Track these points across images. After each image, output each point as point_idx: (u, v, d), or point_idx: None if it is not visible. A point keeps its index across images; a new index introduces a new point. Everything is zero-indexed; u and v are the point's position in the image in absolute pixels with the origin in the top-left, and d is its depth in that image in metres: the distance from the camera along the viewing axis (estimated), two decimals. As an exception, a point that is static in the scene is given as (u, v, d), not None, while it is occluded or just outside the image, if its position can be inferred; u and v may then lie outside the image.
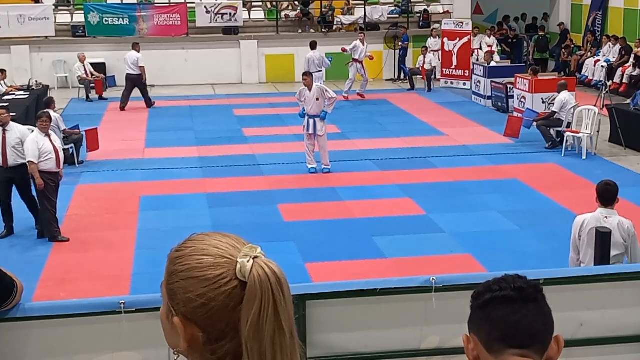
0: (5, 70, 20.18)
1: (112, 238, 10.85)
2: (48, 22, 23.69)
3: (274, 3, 26.17)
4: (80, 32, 24.32)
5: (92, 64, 22.36)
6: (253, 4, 26.27)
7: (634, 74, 21.39)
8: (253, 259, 1.60)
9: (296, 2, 26.24)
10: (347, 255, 10.02)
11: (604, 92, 17.00)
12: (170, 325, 1.65)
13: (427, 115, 19.37)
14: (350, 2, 26.41)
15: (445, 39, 23.69)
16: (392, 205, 12.13)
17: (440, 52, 23.78)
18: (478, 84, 21.01)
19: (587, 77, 23.03)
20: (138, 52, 20.61)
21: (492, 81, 20.14)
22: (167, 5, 25.18)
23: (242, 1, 25.31)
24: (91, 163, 14.83)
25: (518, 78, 18.35)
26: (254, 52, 24.72)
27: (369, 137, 16.88)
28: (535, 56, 25.82)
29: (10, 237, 10.83)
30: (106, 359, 3.96)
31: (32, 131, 10.93)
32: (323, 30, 25.41)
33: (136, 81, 20.50)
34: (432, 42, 24.10)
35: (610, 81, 20.44)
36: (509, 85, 19.11)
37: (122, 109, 20.37)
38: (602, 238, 6.81)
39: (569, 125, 15.59)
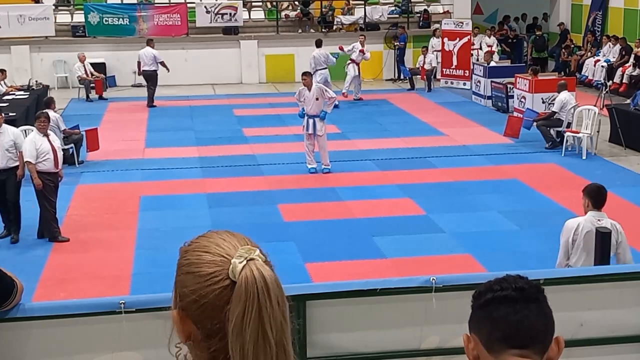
0: (5, 70, 20.17)
1: (112, 238, 10.84)
2: (48, 22, 23.69)
3: (274, 3, 26.17)
4: (80, 32, 24.32)
5: (92, 64, 22.36)
6: (253, 4, 26.27)
7: (634, 74, 21.39)
8: (247, 260, 1.59)
9: (296, 2, 26.24)
10: (347, 255, 10.02)
11: (604, 92, 17.00)
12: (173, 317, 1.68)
13: (427, 115, 19.37)
14: (350, 2, 26.41)
15: (446, 39, 23.69)
16: (392, 205, 12.13)
17: (440, 52, 23.79)
18: (478, 84, 21.01)
19: (587, 77, 23.03)
20: (153, 47, 21.01)
21: (492, 81, 20.14)
22: (167, 5, 25.18)
23: (242, 1, 25.31)
24: (91, 163, 14.83)
25: (518, 78, 18.35)
26: (254, 52, 24.72)
27: (369, 137, 16.88)
28: (533, 55, 25.86)
29: (10, 237, 10.81)
30: (106, 359, 3.96)
31: (32, 131, 10.94)
32: (323, 30, 25.40)
33: (150, 77, 20.87)
34: (436, 42, 24.09)
35: (610, 81, 20.44)
36: (509, 85, 19.11)
37: (150, 105, 20.81)
38: (602, 238, 6.81)
39: (569, 125, 15.59)
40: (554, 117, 15.66)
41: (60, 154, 10.77)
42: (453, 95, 22.30)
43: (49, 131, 10.89)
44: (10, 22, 23.28)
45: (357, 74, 21.50)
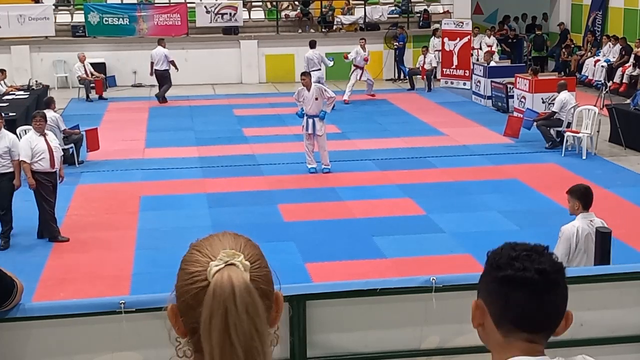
0: (5, 70, 20.17)
1: (112, 238, 10.84)
2: (48, 22, 23.69)
3: (274, 3, 26.17)
4: (80, 32, 24.32)
5: (92, 64, 22.37)
6: (253, 4, 26.27)
7: (634, 74, 21.38)
8: (226, 264, 1.58)
9: (296, 2, 26.24)
10: (347, 255, 10.02)
11: (604, 92, 17.00)
12: None
13: (427, 115, 19.37)
14: (350, 2, 26.41)
15: (446, 39, 23.70)
16: (392, 205, 12.13)
17: (439, 52, 23.79)
18: (478, 83, 21.01)
19: (587, 77, 23.03)
20: (164, 47, 21.29)
21: (492, 81, 20.14)
22: (167, 5, 25.18)
23: (242, 1, 25.31)
24: (91, 163, 14.83)
25: (518, 78, 18.36)
26: (254, 52, 24.72)
27: (369, 137, 16.88)
28: (532, 54, 25.88)
29: (10, 237, 10.79)
30: (106, 359, 3.96)
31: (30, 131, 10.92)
32: (323, 30, 25.41)
33: (162, 76, 21.17)
34: (436, 42, 24.08)
35: (610, 81, 20.44)
36: (509, 85, 19.11)
37: (162, 102, 21.21)
38: (602, 238, 6.82)
39: (569, 125, 15.59)
40: (554, 117, 15.67)
41: (57, 154, 10.72)
42: (453, 95, 22.30)
43: (47, 131, 10.88)
44: (10, 22, 23.28)
45: (363, 78, 21.50)
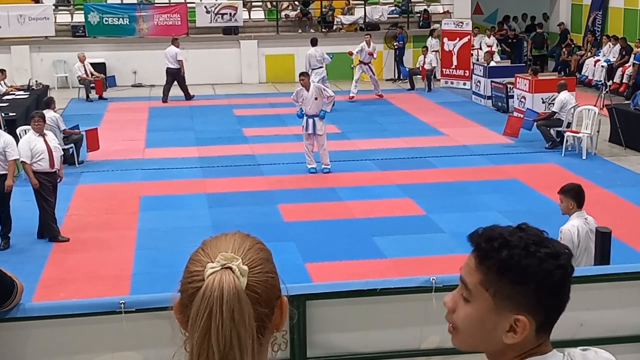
0: (5, 70, 20.18)
1: (112, 238, 10.84)
2: (48, 22, 23.69)
3: (274, 3, 26.17)
4: (80, 32, 24.32)
5: (92, 64, 22.37)
6: (253, 4, 26.26)
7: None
8: (222, 267, 1.58)
9: (296, 2, 26.24)
10: (347, 255, 10.02)
11: (604, 92, 17.00)
12: None
13: (427, 115, 19.37)
14: (350, 2, 26.41)
15: (445, 39, 23.70)
16: (392, 205, 12.13)
17: (438, 52, 23.78)
18: (478, 84, 21.01)
19: (587, 77, 23.03)
20: (177, 47, 21.54)
21: (492, 81, 20.14)
22: (167, 5, 25.17)
23: (242, 1, 25.31)
24: (91, 163, 14.83)
25: (518, 78, 18.36)
26: (254, 52, 24.72)
27: (369, 137, 16.88)
28: (532, 53, 25.89)
29: (10, 237, 10.79)
30: (106, 359, 3.96)
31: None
32: (323, 30, 25.40)
33: (176, 75, 21.40)
34: (433, 42, 24.09)
35: (610, 81, 20.43)
36: (509, 85, 19.11)
37: (164, 101, 21.37)
38: (603, 238, 6.83)
39: (569, 125, 15.59)
40: (554, 117, 15.66)
41: (57, 154, 10.71)
42: (453, 95, 22.30)
43: (47, 131, 10.88)
44: (10, 22, 23.28)
45: (370, 73, 21.54)
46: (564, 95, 15.59)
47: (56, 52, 23.78)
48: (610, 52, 22.78)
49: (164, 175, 14.03)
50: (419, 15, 26.20)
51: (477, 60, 22.61)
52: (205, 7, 24.66)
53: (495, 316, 1.76)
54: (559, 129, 15.69)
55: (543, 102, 17.13)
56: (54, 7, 24.45)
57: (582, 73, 23.30)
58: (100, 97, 21.98)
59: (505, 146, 15.96)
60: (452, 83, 23.65)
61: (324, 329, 4.15)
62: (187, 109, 20.64)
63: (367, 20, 25.68)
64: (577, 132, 15.30)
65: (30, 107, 17.12)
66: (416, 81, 23.33)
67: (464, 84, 23.16)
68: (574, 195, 7.20)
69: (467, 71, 23.24)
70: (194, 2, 24.99)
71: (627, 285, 4.40)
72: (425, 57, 22.99)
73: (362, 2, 26.07)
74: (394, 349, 4.23)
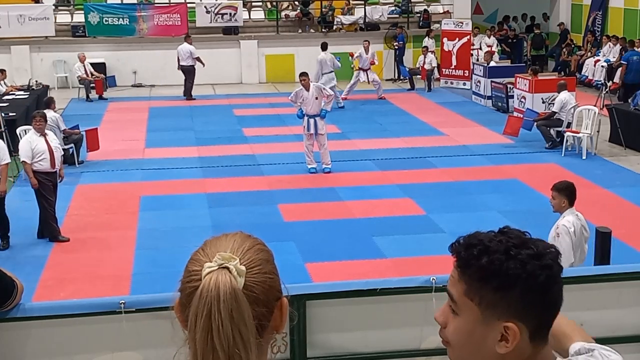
0: (5, 70, 20.18)
1: (112, 238, 10.84)
2: (48, 22, 23.69)
3: (274, 3, 26.17)
4: (80, 32, 24.32)
5: (92, 64, 22.37)
6: (253, 4, 26.26)
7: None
8: (220, 267, 1.58)
9: (296, 2, 26.23)
10: (347, 255, 10.02)
11: (604, 92, 17.00)
12: None
13: (427, 115, 19.37)
14: (350, 2, 26.41)
15: (445, 39, 23.69)
16: (392, 205, 12.13)
17: (435, 52, 23.78)
18: (478, 84, 21.02)
19: (587, 77, 23.03)
20: (190, 44, 21.84)
21: (492, 81, 20.14)
22: (167, 5, 25.17)
23: (242, 1, 25.31)
24: (91, 163, 14.83)
25: (518, 78, 18.36)
26: (254, 52, 24.72)
27: (369, 137, 16.88)
28: (531, 53, 25.90)
29: (9, 237, 10.79)
30: (106, 359, 3.96)
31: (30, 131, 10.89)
32: (323, 30, 25.40)
33: (188, 72, 21.74)
34: (430, 43, 24.08)
35: (610, 81, 20.43)
36: (509, 85, 19.12)
37: (190, 98, 21.73)
38: (603, 238, 6.83)
39: (569, 125, 15.59)
40: (554, 117, 15.67)
41: (57, 154, 10.72)
42: (453, 95, 22.30)
43: (47, 131, 10.88)
44: (10, 22, 23.28)
45: (369, 79, 21.45)
46: (564, 95, 15.60)
47: (56, 52, 23.78)
48: (610, 52, 22.78)
49: (164, 175, 14.03)
50: (419, 15, 26.20)
51: (477, 60, 22.62)
52: (205, 7, 24.66)
53: (484, 326, 1.70)
54: (559, 129, 15.69)
55: (543, 102, 17.13)
56: (54, 7, 24.45)
57: (582, 73, 23.30)
58: (100, 97, 21.98)
59: (505, 146, 15.96)
60: (452, 83, 23.65)
61: (324, 329, 4.15)
62: (187, 109, 20.65)
63: (367, 20, 25.68)
64: (577, 132, 15.31)
65: (30, 107, 17.13)
66: (416, 81, 23.33)
67: (464, 84, 23.16)
68: (568, 194, 7.24)
69: (467, 71, 23.24)
70: (194, 2, 24.98)
71: (626, 285, 4.40)
72: (425, 57, 22.99)
73: (362, 2, 26.07)
74: (394, 349, 4.23)
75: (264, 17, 26.25)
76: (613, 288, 4.39)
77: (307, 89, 13.85)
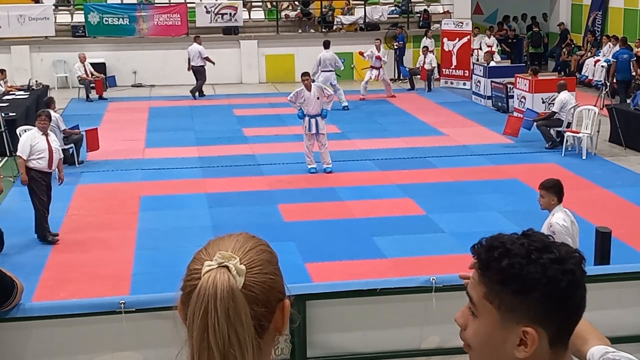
0: (5, 70, 20.18)
1: (112, 238, 10.84)
2: (48, 22, 23.69)
3: (274, 3, 26.16)
4: (80, 32, 24.33)
5: (92, 64, 22.37)
6: (253, 4, 26.26)
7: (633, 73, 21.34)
8: (219, 266, 1.58)
9: (296, 2, 26.23)
10: (347, 255, 10.02)
11: (604, 92, 16.99)
12: None
13: (427, 115, 19.37)
14: (350, 2, 26.41)
15: (445, 39, 23.69)
16: (392, 205, 12.13)
17: (435, 52, 23.77)
18: (478, 84, 21.02)
19: (587, 77, 23.03)
20: (200, 44, 22.10)
21: (492, 81, 20.14)
22: (167, 5, 25.17)
23: (242, 1, 25.31)
24: (91, 163, 14.83)
25: (518, 78, 18.36)
26: (254, 52, 24.71)
27: (369, 137, 16.88)
28: (530, 51, 25.91)
29: (10, 237, 10.78)
30: (106, 359, 3.96)
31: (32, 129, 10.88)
32: (323, 30, 25.40)
33: (199, 72, 22.07)
34: (428, 43, 24.07)
35: (610, 81, 20.42)
36: (509, 85, 19.12)
37: (200, 96, 22.25)
38: (603, 238, 6.82)
39: (569, 125, 15.59)
40: (554, 117, 15.66)
41: (57, 156, 10.72)
42: (453, 95, 22.30)
43: (49, 131, 10.89)
44: (10, 22, 23.28)
45: (380, 77, 21.57)
46: (564, 95, 15.60)
47: (56, 52, 23.78)
48: (610, 52, 22.76)
49: (164, 175, 14.03)
50: (419, 15, 26.20)
51: (477, 60, 22.61)
52: (205, 7, 24.66)
53: (503, 330, 1.68)
54: (559, 129, 15.69)
55: (543, 102, 17.13)
56: (54, 7, 24.45)
57: (582, 73, 23.30)
58: (100, 97, 21.98)
59: (505, 146, 15.95)
60: (452, 83, 23.65)
61: (324, 329, 4.15)
62: (187, 109, 20.64)
63: (367, 20, 25.67)
64: (577, 132, 15.30)
65: (30, 107, 17.14)
66: (416, 81, 23.33)
67: (464, 84, 23.16)
68: (557, 191, 7.28)
69: (467, 71, 23.24)
70: (194, 2, 24.98)
71: (626, 285, 4.40)
72: (425, 57, 22.99)
73: (362, 2, 26.06)
74: (394, 349, 4.23)
75: (264, 17, 26.25)
76: (613, 288, 4.39)
77: (309, 89, 13.85)
